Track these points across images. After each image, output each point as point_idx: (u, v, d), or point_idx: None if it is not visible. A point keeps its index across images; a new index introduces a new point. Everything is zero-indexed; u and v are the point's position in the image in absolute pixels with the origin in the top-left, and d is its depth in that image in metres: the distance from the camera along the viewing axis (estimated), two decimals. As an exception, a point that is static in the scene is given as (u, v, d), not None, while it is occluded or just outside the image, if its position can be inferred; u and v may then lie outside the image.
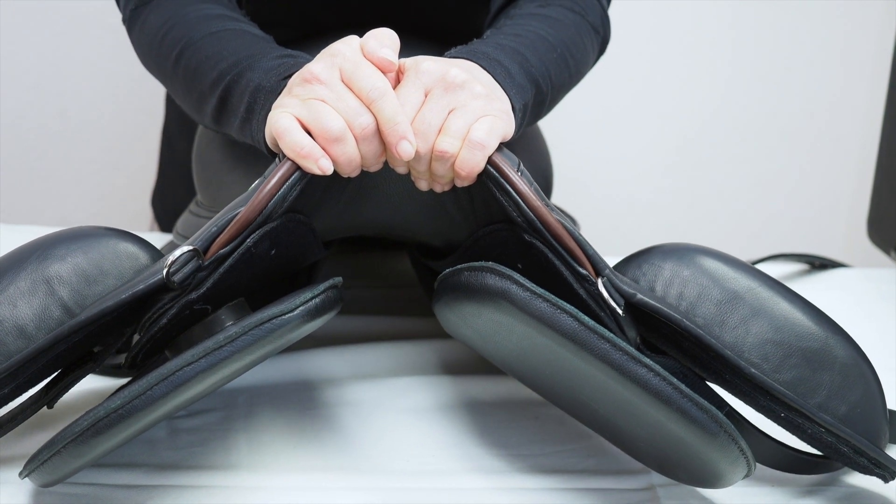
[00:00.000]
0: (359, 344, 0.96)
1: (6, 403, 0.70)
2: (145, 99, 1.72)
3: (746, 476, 0.70)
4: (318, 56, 0.73)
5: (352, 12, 1.01)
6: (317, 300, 0.69)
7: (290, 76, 0.75)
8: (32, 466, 0.66)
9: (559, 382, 0.74)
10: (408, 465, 0.79)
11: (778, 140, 1.88)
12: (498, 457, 0.80)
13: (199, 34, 0.84)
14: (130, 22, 0.92)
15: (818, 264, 1.28)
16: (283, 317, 0.67)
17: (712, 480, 0.71)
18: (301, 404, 0.87)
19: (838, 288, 1.19)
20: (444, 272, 0.74)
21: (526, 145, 0.95)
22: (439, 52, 0.81)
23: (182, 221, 1.03)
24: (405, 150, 0.70)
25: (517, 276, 0.68)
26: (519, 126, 0.79)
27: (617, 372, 0.65)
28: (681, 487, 0.77)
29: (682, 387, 0.65)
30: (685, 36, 1.83)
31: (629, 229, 1.90)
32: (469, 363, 0.95)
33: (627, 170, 1.91)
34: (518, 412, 0.87)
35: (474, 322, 0.74)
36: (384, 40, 0.72)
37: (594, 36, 0.94)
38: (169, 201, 1.37)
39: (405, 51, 0.74)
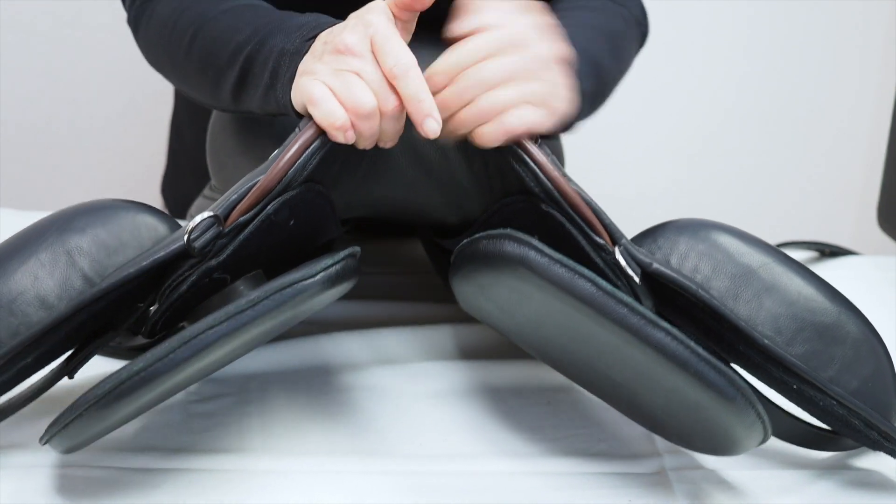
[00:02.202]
0: (372, 329, 0.96)
1: (30, 375, 0.71)
2: (156, 87, 1.72)
3: (762, 442, 0.70)
4: (350, 24, 0.73)
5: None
6: (337, 266, 0.70)
7: (313, 38, 0.75)
8: (54, 430, 0.67)
9: (576, 352, 0.74)
10: (421, 448, 0.79)
11: (788, 130, 1.88)
12: (510, 441, 0.81)
13: (212, 12, 0.84)
14: (137, 20, 0.92)
15: (828, 252, 1.28)
16: (305, 282, 0.67)
17: (728, 447, 0.71)
18: (315, 388, 0.87)
19: (848, 276, 1.18)
20: (462, 243, 0.74)
21: None
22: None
23: (196, 206, 1.04)
24: (431, 127, 0.70)
25: (535, 241, 0.68)
26: (581, 114, 0.80)
27: (634, 336, 0.65)
28: (691, 471, 0.77)
29: (700, 350, 0.65)
30: (696, 28, 1.83)
31: (639, 220, 1.90)
32: (482, 348, 0.95)
33: (638, 160, 1.91)
34: (531, 397, 0.87)
35: (492, 292, 0.74)
36: None
37: (637, 28, 0.94)
38: (179, 189, 1.37)
39: (415, 44, 0.74)
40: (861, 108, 1.87)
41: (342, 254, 0.71)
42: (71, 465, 0.74)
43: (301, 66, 0.74)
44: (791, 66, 1.85)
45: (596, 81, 0.83)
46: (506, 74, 0.72)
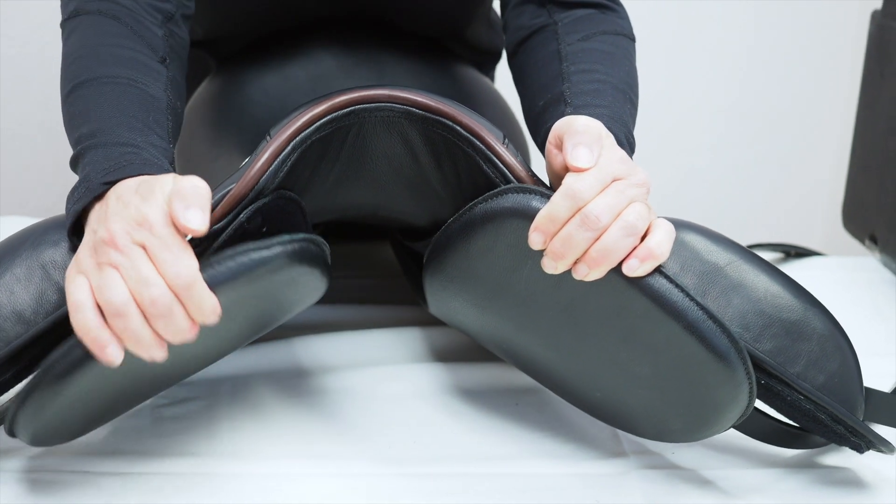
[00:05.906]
0: (341, 331, 0.97)
1: (8, 390, 0.71)
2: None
3: (742, 416, 0.70)
4: (121, 212, 0.64)
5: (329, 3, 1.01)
6: (295, 245, 0.70)
7: (116, 181, 0.67)
8: (13, 408, 0.66)
9: (564, 322, 0.73)
10: (390, 451, 0.80)
11: (756, 132, 1.90)
12: (478, 443, 0.81)
13: (91, 75, 0.77)
14: (63, 28, 0.87)
15: (794, 253, 1.30)
16: (260, 252, 0.67)
17: (709, 418, 0.71)
18: (285, 392, 0.87)
19: (813, 276, 1.20)
20: (446, 224, 0.74)
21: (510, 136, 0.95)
22: (415, 62, 0.79)
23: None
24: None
25: (536, 188, 0.69)
26: None
27: (627, 283, 0.65)
28: (658, 471, 0.78)
29: (698, 299, 0.66)
30: (663, 30, 1.84)
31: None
32: (451, 350, 0.96)
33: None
34: (499, 399, 0.88)
35: (480, 264, 0.74)
36: (190, 200, 0.63)
37: (634, 48, 0.90)
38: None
39: (382, 66, 0.74)
40: (828, 110, 1.88)
41: (301, 235, 0.71)
42: (39, 469, 0.75)
43: (76, 256, 0.65)
44: (759, 70, 1.86)
45: (631, 152, 0.79)
46: (623, 205, 0.67)
